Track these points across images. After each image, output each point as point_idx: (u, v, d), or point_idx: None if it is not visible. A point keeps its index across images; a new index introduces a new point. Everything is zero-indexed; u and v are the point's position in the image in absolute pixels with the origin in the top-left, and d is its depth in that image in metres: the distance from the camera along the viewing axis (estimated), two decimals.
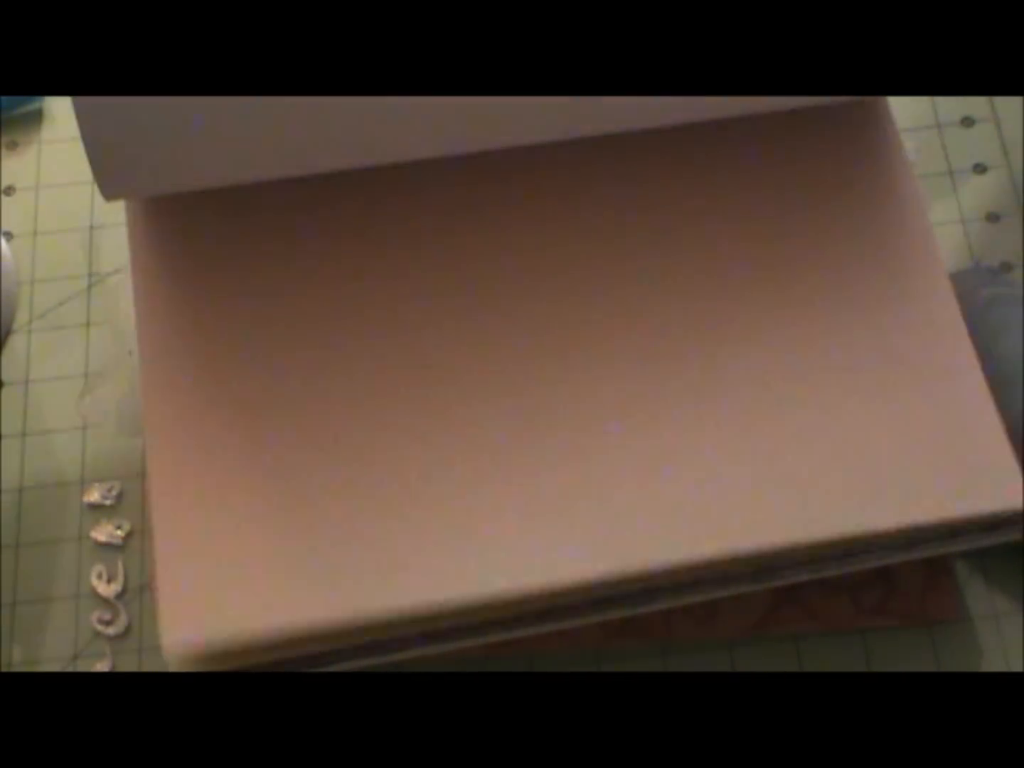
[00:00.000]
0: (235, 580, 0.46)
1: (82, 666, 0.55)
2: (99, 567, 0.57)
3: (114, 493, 0.58)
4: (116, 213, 0.54)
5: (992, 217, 0.61)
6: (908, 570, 0.52)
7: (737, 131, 0.54)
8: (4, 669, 0.55)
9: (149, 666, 0.55)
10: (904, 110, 0.54)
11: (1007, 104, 0.64)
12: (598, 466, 0.49)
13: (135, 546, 0.57)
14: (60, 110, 0.67)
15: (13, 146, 0.66)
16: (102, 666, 0.55)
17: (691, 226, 0.53)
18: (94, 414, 0.59)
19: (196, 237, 0.53)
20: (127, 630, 0.55)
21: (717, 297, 0.52)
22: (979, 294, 0.56)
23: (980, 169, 0.63)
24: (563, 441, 0.49)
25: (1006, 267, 0.60)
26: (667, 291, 0.52)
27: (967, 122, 0.64)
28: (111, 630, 0.55)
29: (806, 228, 0.53)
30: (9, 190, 0.65)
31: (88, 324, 0.62)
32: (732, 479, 0.48)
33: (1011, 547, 0.51)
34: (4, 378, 0.61)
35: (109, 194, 0.49)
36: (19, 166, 0.66)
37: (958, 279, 0.57)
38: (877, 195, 0.53)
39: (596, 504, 0.48)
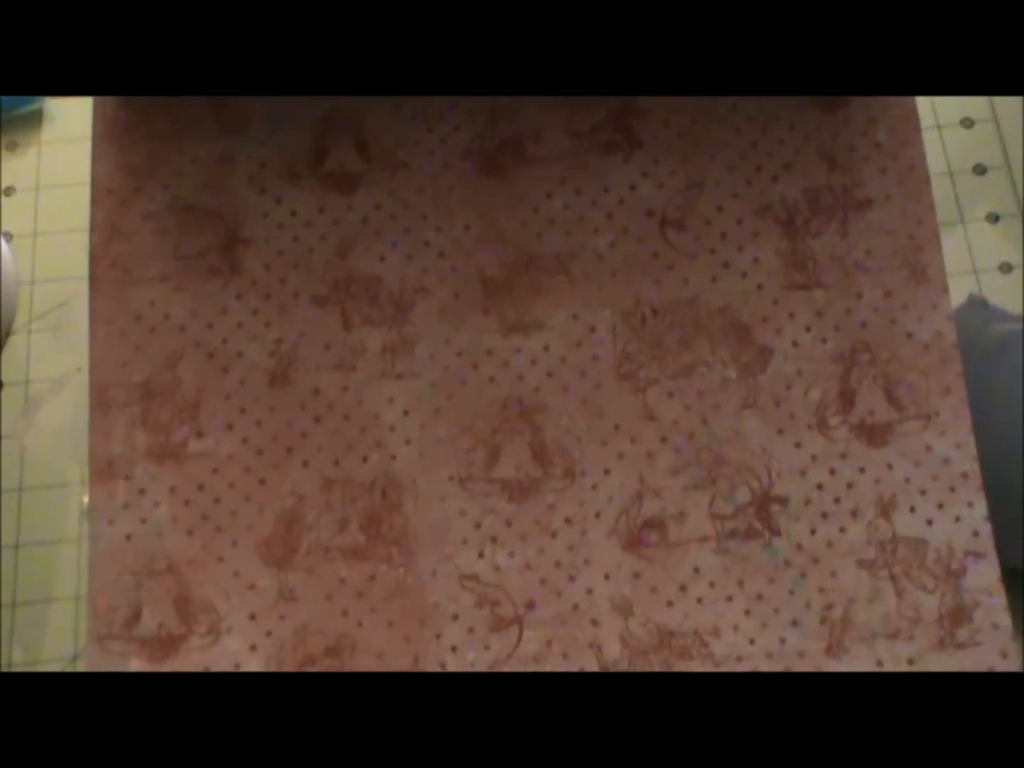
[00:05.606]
0: None
1: (82, 666, 0.55)
2: None
3: None
4: None
5: (992, 217, 0.61)
6: None
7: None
8: (4, 669, 0.55)
9: None
10: None
11: (1007, 104, 0.64)
12: None
13: None
14: (60, 110, 0.67)
15: (13, 146, 0.66)
16: None
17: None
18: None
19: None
20: None
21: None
22: (986, 332, 0.54)
23: (980, 169, 0.63)
24: None
25: (1006, 267, 0.60)
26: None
27: (967, 122, 0.64)
28: None
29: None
30: (9, 190, 0.65)
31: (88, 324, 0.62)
32: None
33: (1010, 570, 0.51)
34: (4, 378, 0.61)
35: None
36: (19, 166, 0.66)
37: (961, 316, 0.55)
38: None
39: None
